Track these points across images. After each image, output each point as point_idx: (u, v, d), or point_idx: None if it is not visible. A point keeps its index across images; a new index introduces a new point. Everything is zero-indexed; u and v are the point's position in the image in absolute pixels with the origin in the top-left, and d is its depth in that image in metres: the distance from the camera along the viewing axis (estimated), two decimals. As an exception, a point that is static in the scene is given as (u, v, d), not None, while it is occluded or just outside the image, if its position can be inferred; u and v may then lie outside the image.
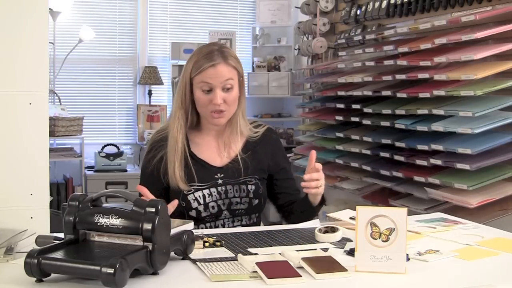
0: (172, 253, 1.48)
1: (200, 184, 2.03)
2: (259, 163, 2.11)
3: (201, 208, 2.01)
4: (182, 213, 2.00)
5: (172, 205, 1.85)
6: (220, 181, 2.05)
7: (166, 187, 2.04)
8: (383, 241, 1.46)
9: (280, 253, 1.57)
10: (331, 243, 1.71)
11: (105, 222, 1.40)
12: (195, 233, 1.60)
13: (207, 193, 2.03)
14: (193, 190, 2.02)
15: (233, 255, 1.57)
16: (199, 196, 2.02)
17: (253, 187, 2.07)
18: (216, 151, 2.10)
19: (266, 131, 2.17)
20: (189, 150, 2.04)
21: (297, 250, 1.60)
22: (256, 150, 2.12)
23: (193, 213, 2.01)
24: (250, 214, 2.09)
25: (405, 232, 1.46)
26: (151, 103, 5.45)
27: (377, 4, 3.81)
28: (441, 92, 2.89)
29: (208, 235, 1.73)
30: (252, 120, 2.22)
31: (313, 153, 1.95)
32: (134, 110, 5.46)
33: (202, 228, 2.01)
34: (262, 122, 2.22)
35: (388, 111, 3.28)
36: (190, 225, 1.62)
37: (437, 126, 2.89)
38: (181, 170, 2.00)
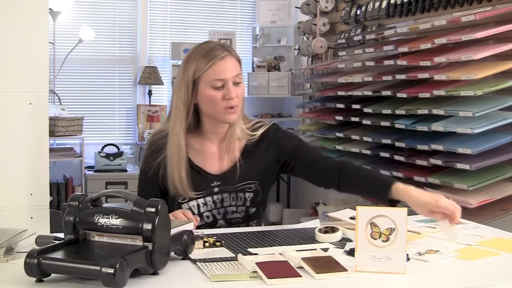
0: (172, 253, 1.48)
1: (195, 193, 1.95)
2: (260, 167, 2.02)
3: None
4: None
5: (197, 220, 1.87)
6: (216, 189, 1.97)
7: (162, 191, 1.97)
8: (383, 241, 1.46)
9: (280, 253, 1.57)
10: (331, 243, 1.72)
11: (105, 222, 1.40)
12: (195, 233, 1.60)
13: (202, 203, 1.96)
14: (187, 199, 1.95)
15: (233, 255, 1.57)
16: (194, 205, 1.96)
17: (251, 194, 2.00)
18: (215, 157, 2.01)
19: (265, 130, 2.05)
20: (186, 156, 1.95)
21: (297, 250, 1.60)
22: (254, 153, 2.02)
23: None
24: (247, 222, 2.02)
25: (405, 232, 1.46)
26: (151, 103, 5.45)
27: (377, 4, 3.81)
28: (441, 92, 2.89)
29: (208, 235, 1.73)
30: (257, 120, 2.11)
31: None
32: (134, 110, 5.46)
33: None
34: (265, 121, 2.11)
35: (388, 111, 3.28)
36: (190, 225, 1.62)
37: (437, 126, 2.89)
38: (187, 177, 1.92)
